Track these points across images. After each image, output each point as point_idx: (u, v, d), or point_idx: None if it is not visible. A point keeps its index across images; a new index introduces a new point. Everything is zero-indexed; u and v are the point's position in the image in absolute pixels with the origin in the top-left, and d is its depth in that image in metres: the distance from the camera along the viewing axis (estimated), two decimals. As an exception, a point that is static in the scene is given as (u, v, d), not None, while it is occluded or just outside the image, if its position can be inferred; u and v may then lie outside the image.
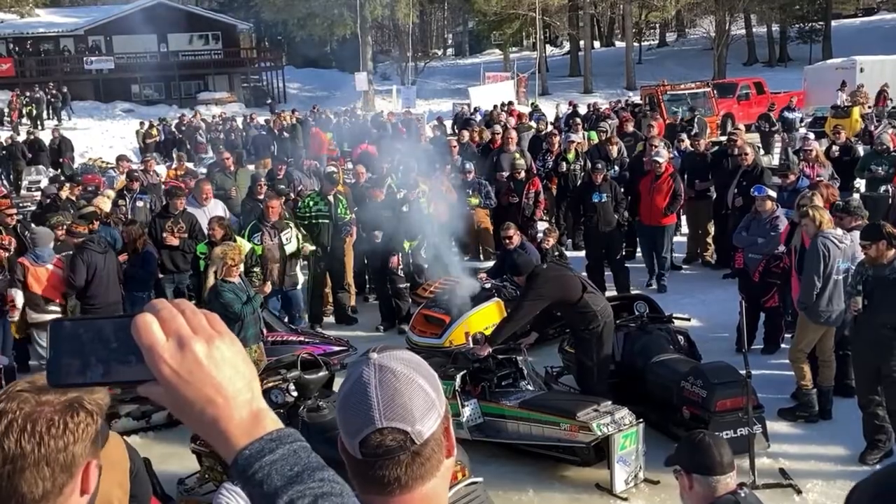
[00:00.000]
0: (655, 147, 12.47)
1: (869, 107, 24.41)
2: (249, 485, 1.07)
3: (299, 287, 10.09)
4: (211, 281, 7.65)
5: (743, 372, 6.33)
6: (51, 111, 36.19)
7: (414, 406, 1.36)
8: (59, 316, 8.44)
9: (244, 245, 8.63)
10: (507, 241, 9.76)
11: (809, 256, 7.22)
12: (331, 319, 10.94)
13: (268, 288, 8.08)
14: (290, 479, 1.06)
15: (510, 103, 29.07)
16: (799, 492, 6.20)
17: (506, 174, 12.93)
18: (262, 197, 10.45)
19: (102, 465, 1.58)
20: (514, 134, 15.13)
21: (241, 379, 1.08)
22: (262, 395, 1.13)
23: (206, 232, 9.35)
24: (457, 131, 19.32)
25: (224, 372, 1.07)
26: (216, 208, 10.65)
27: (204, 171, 16.68)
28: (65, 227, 9.29)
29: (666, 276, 11.51)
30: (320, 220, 10.53)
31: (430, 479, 1.38)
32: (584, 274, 10.42)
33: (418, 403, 1.36)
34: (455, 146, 14.96)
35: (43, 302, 8.70)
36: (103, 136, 33.38)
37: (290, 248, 9.55)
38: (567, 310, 7.21)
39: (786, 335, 9.12)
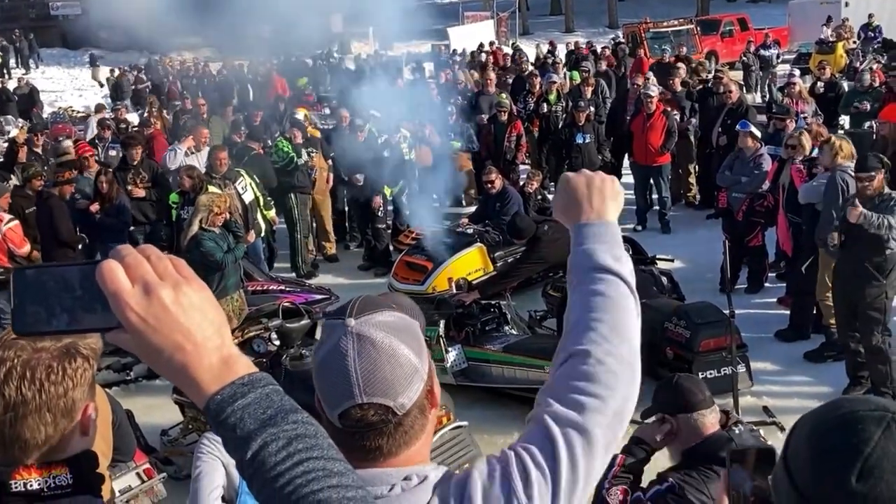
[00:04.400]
0: (638, 86, 12.30)
1: (854, 42, 24.16)
2: (223, 429, 1.06)
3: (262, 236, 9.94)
4: (194, 229, 7.54)
5: (726, 312, 6.31)
6: (18, 59, 35.25)
7: (396, 378, 1.33)
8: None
9: (219, 192, 8.45)
10: (490, 185, 9.65)
11: (828, 191, 7.01)
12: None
13: (251, 237, 7.92)
14: (264, 422, 1.05)
15: (492, 44, 28.61)
16: (783, 429, 6.22)
17: (486, 117, 12.74)
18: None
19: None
20: (492, 75, 14.91)
21: (209, 325, 1.06)
22: (232, 341, 1.10)
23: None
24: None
25: (192, 318, 1.04)
26: (203, 156, 10.45)
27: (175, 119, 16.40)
28: (43, 177, 9.01)
29: (668, 215, 11.43)
30: (298, 165, 10.38)
31: (414, 444, 1.38)
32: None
33: (400, 375, 1.33)
34: (435, 89, 14.72)
35: None
36: (73, 85, 32.62)
37: (247, 196, 9.38)
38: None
39: (769, 274, 9.13)
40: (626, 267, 1.50)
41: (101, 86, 30.87)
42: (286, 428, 1.05)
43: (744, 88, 16.79)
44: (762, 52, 21.70)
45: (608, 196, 1.58)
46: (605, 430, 1.35)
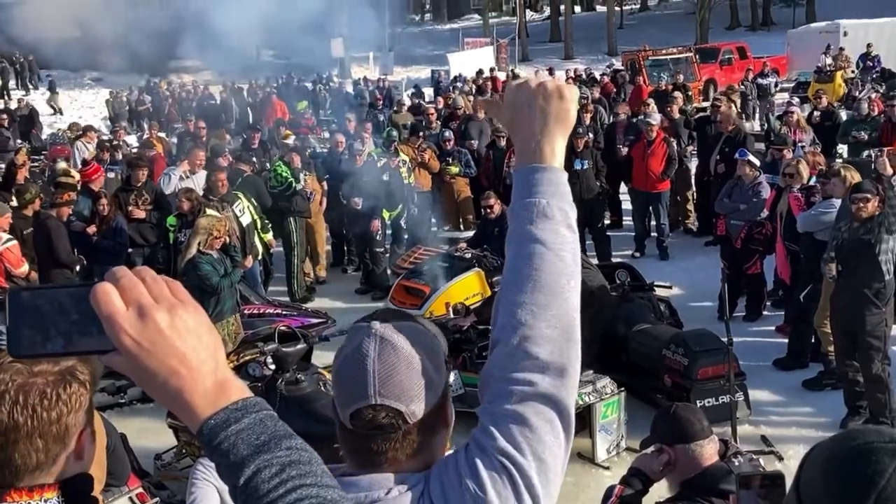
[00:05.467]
0: (621, 113, 12.36)
1: (852, 71, 24.28)
2: (216, 455, 1.05)
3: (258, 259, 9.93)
4: (192, 252, 7.54)
5: (725, 339, 6.29)
6: (18, 81, 35.33)
7: (411, 385, 1.36)
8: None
9: (218, 216, 8.44)
10: (488, 210, 9.65)
11: (840, 216, 6.97)
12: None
13: (249, 262, 7.87)
14: (257, 448, 1.04)
15: (492, 70, 28.74)
16: (781, 458, 6.20)
17: (475, 143, 12.76)
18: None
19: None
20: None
21: (204, 349, 1.05)
22: (227, 365, 1.09)
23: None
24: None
25: (187, 342, 1.04)
26: (201, 179, 10.45)
27: (175, 140, 16.50)
28: (42, 198, 8.97)
29: (666, 242, 11.41)
30: (297, 190, 10.40)
31: (418, 456, 1.39)
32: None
33: (416, 382, 1.36)
34: (433, 114, 14.78)
35: None
36: (73, 106, 32.74)
37: (245, 219, 9.39)
38: None
39: (767, 302, 9.12)
40: (554, 227, 1.38)
41: (60, 113, 30.99)
42: (280, 454, 1.04)
43: (742, 117, 16.87)
44: (760, 80, 21.75)
45: (552, 117, 1.41)
46: (541, 408, 1.33)
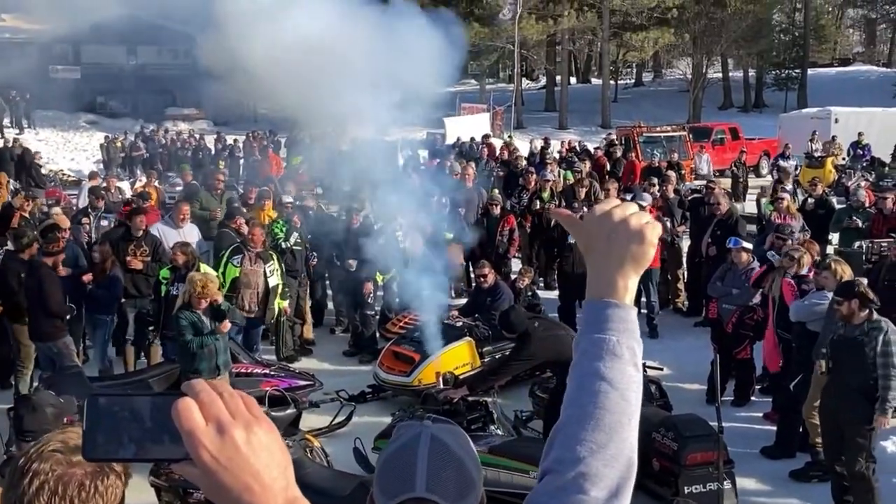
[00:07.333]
0: (611, 189, 12.46)
1: (843, 158, 24.65)
2: None
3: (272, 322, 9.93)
4: (178, 304, 7.53)
5: (714, 424, 6.26)
6: (13, 120, 35.36)
7: (458, 485, 1.45)
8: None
9: (212, 274, 8.37)
10: (482, 279, 9.66)
11: (830, 312, 7.03)
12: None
13: (225, 327, 7.65)
14: None
15: (487, 136, 29.04)
16: (768, 551, 6.13)
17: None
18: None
19: None
20: (470, 170, 15.11)
21: (276, 466, 1.07)
22: (295, 483, 1.11)
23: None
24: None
25: (261, 459, 1.06)
26: (191, 232, 10.42)
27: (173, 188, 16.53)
28: (38, 244, 8.91)
29: (656, 320, 11.40)
30: (295, 248, 10.41)
31: None
32: (556, 315, 10.37)
33: (462, 483, 1.45)
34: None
35: None
36: (66, 148, 32.78)
37: (272, 280, 9.43)
38: (557, 368, 7.11)
39: (756, 387, 9.11)
40: (622, 367, 1.37)
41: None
42: None
43: (732, 198, 17.07)
44: (781, 162, 21.18)
45: (629, 256, 1.40)
46: None
